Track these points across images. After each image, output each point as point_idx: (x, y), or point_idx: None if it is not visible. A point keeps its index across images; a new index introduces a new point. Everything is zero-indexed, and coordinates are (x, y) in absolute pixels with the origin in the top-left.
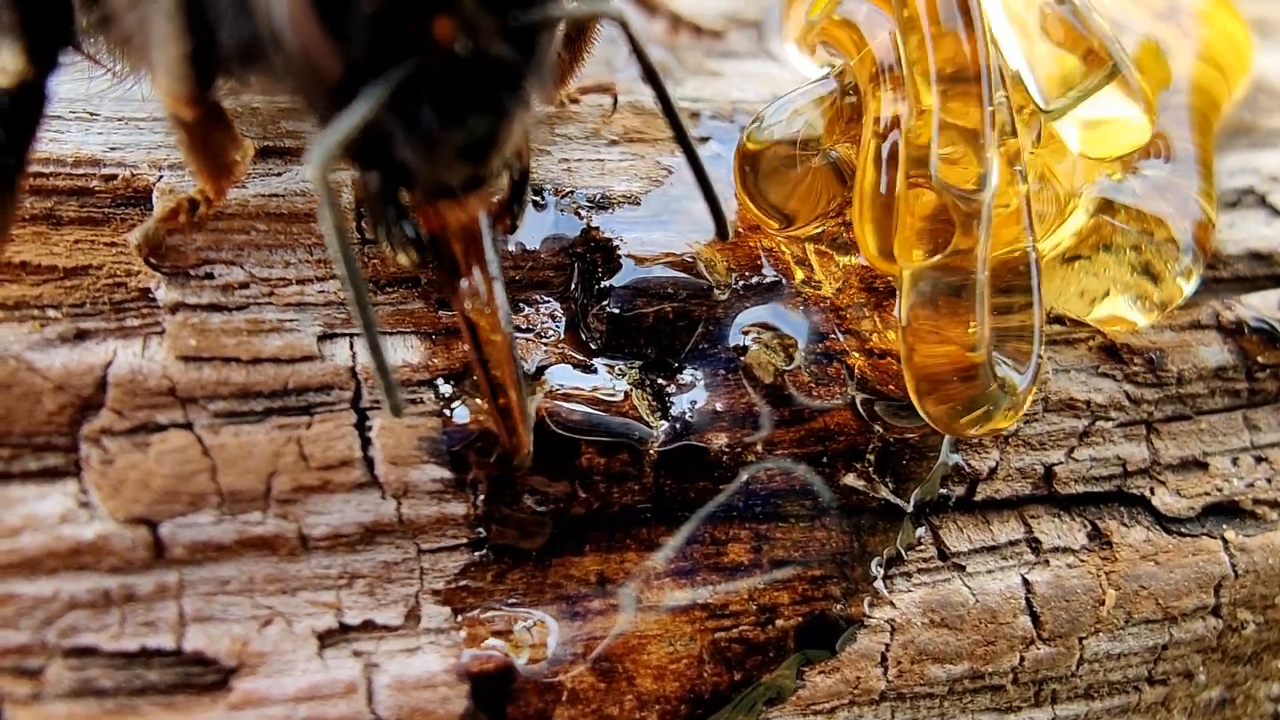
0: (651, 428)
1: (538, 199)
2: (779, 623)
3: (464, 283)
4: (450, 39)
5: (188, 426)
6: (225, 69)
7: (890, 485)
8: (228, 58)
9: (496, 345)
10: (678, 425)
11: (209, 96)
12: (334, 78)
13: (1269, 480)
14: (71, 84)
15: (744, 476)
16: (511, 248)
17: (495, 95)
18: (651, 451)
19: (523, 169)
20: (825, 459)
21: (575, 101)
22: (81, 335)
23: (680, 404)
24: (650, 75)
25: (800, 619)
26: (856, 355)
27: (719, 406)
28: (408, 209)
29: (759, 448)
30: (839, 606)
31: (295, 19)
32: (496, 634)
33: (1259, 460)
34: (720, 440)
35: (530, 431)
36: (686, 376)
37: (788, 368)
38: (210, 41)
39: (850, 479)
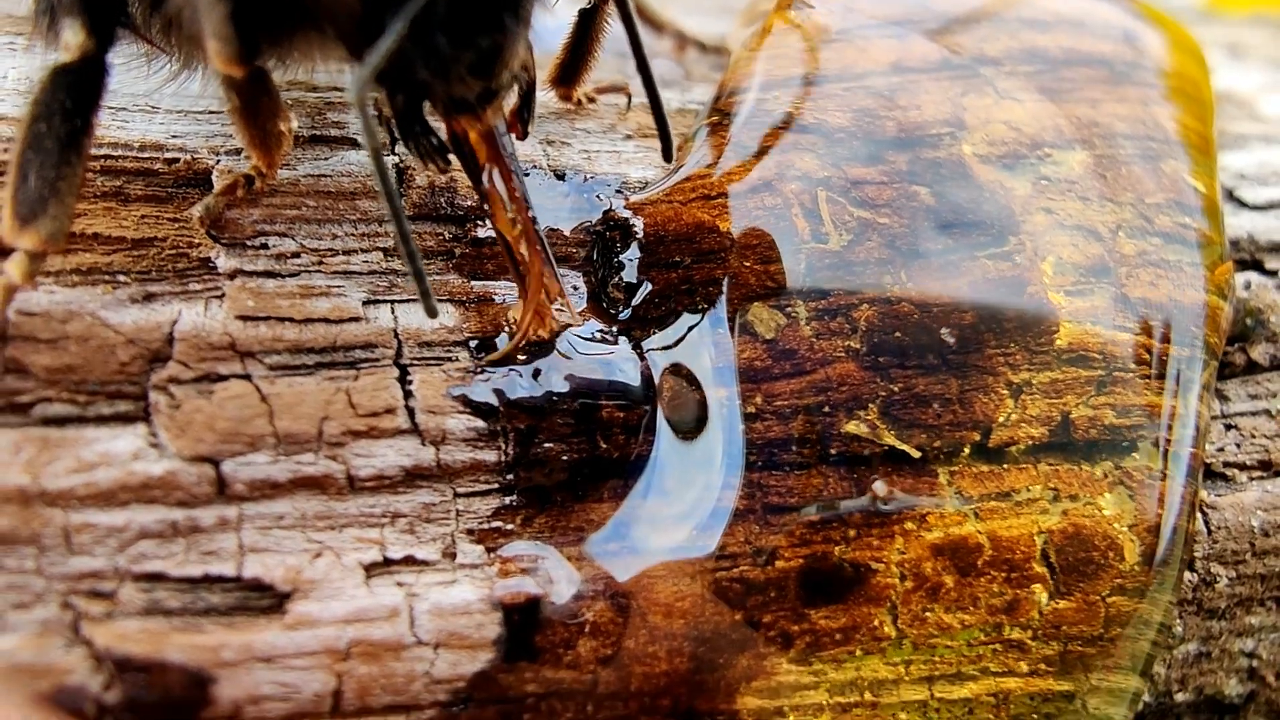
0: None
1: (560, 181)
2: (779, 564)
3: (486, 178)
4: None
5: (247, 377)
6: (267, 34)
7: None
8: (268, 20)
9: (522, 226)
10: (685, 383)
11: (256, 62)
12: (358, 16)
13: (1238, 445)
14: (134, 82)
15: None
16: (540, 228)
17: (499, 17)
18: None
19: (529, 80)
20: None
21: (592, 101)
22: (149, 297)
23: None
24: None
25: (802, 560)
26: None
27: (722, 364)
28: (431, 125)
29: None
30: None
31: None
32: (524, 571)
33: (1229, 428)
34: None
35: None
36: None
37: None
38: (251, 5)
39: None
